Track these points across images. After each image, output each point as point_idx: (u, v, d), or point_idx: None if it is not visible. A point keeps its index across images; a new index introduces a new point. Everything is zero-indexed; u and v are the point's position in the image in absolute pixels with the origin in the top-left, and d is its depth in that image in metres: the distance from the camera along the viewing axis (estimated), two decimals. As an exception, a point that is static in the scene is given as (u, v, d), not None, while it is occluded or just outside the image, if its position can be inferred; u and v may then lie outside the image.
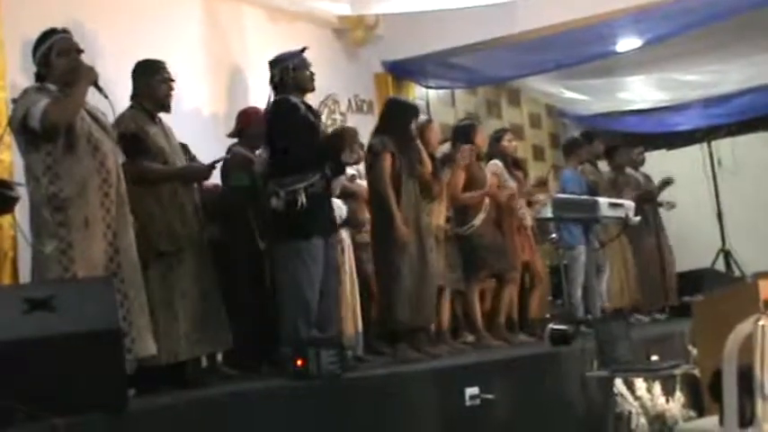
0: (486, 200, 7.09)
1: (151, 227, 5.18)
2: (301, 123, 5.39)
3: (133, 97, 5.36)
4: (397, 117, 6.21)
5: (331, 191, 5.62)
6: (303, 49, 5.59)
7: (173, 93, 5.42)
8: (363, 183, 6.45)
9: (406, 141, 6.12)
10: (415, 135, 6.23)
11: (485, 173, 7.21)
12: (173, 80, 5.43)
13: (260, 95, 7.67)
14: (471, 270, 6.97)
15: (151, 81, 5.35)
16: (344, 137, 5.50)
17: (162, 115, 5.44)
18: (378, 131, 6.19)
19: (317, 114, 5.57)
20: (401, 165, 6.01)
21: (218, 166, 5.65)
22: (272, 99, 5.62)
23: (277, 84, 5.56)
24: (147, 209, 5.18)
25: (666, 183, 9.18)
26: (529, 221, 7.58)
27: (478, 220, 7.02)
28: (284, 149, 5.40)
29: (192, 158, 5.79)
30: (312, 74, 5.59)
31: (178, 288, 5.19)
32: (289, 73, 5.50)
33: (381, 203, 5.95)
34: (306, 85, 5.57)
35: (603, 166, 9.43)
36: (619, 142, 9.96)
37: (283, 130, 5.43)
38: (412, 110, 6.38)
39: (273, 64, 5.60)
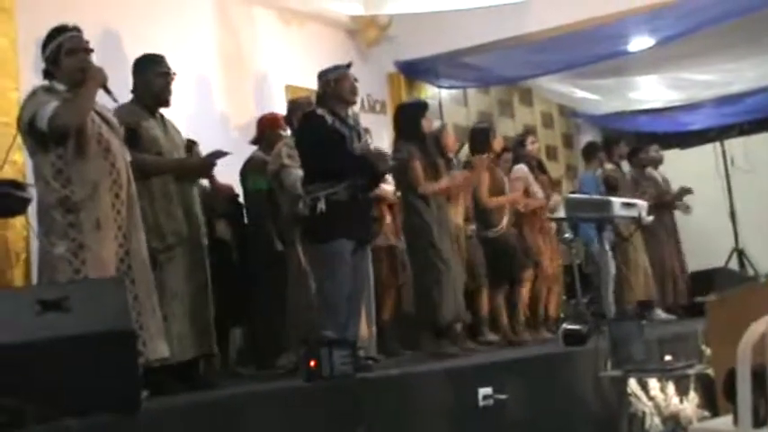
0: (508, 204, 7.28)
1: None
2: (326, 135, 5.45)
3: (132, 93, 5.30)
4: (411, 120, 6.37)
5: (364, 199, 5.62)
6: (349, 65, 5.71)
7: (171, 87, 5.30)
8: (389, 187, 6.55)
9: (423, 142, 6.26)
10: (425, 132, 6.37)
11: (502, 175, 7.38)
12: (170, 74, 5.30)
13: (271, 96, 7.71)
14: (497, 272, 7.15)
15: (147, 75, 5.26)
16: (373, 158, 5.54)
17: (169, 112, 5.37)
18: (399, 139, 6.35)
19: (351, 125, 5.60)
20: (427, 170, 6.19)
21: (224, 160, 5.63)
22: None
23: (320, 96, 5.66)
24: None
25: (685, 192, 9.25)
26: (552, 224, 7.70)
27: (505, 222, 7.21)
28: (311, 160, 5.51)
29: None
30: (354, 86, 5.65)
31: (168, 287, 5.03)
32: (330, 85, 5.58)
33: (419, 208, 6.13)
34: (346, 97, 5.61)
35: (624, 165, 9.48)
36: (644, 143, 9.98)
37: (309, 141, 5.54)
38: (421, 108, 6.53)
39: (318, 77, 5.70)
